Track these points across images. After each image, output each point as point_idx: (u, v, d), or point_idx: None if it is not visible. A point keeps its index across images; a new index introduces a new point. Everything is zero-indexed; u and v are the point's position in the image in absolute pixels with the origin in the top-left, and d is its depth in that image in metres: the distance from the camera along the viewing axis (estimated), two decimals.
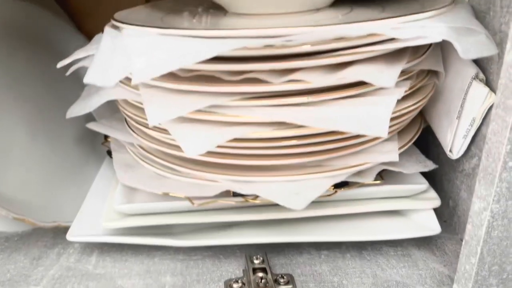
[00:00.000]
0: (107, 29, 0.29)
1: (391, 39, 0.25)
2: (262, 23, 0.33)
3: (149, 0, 0.52)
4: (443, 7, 0.27)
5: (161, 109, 0.26)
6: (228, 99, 0.26)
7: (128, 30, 0.27)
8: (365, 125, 0.24)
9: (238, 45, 0.23)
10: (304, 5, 0.33)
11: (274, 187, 0.28)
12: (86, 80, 0.25)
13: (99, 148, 0.42)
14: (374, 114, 0.25)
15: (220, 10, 0.37)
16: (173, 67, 0.22)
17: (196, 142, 0.25)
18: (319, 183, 0.28)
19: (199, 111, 0.26)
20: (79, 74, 0.48)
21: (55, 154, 0.41)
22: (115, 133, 0.36)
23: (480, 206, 0.24)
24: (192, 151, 0.25)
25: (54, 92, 0.43)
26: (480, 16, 0.31)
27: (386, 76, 0.25)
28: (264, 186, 0.28)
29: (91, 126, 0.36)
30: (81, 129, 0.43)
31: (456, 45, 0.24)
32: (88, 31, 0.54)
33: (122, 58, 0.25)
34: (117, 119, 0.38)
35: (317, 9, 0.34)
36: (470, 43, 0.25)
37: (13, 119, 0.38)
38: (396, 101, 0.26)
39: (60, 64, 0.30)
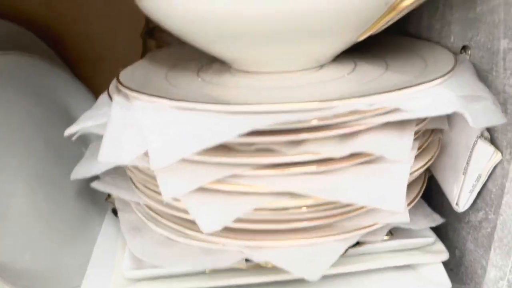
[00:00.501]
0: (116, 98, 0.28)
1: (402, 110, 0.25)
2: (268, 81, 0.33)
3: (146, 45, 0.52)
4: (449, 71, 0.28)
5: (175, 181, 0.26)
6: (242, 170, 0.26)
7: (138, 101, 0.27)
8: (380, 199, 0.24)
9: (260, 124, 0.23)
10: (307, 63, 0.34)
11: (286, 253, 0.28)
12: (100, 158, 0.25)
13: (101, 202, 0.42)
14: (388, 186, 0.25)
15: (224, 64, 0.37)
16: (193, 150, 0.22)
17: (211, 216, 0.25)
18: (332, 247, 0.28)
19: (213, 181, 0.26)
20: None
21: (56, 212, 0.40)
22: (121, 192, 0.35)
23: (496, 275, 0.24)
24: (208, 227, 0.24)
25: (54, 146, 0.42)
26: (482, 75, 0.31)
27: (399, 147, 0.25)
28: (276, 253, 0.28)
29: (96, 185, 0.36)
30: (81, 182, 0.42)
31: (467, 116, 0.25)
32: (83, 75, 0.54)
33: (135, 134, 0.25)
34: (121, 174, 0.38)
35: (321, 66, 0.35)
36: (479, 111, 0.26)
37: (11, 176, 0.38)
38: (409, 168, 0.26)
39: (67, 132, 0.30)
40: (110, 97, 0.30)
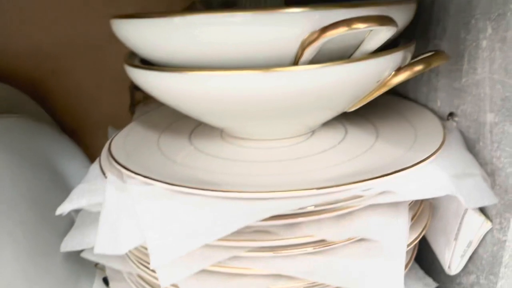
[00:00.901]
0: (110, 177, 0.28)
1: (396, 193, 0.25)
2: (260, 151, 0.33)
3: (133, 97, 0.52)
4: (439, 147, 0.29)
5: (173, 266, 0.25)
6: (239, 251, 0.26)
7: (133, 182, 0.27)
8: (378, 284, 0.24)
9: (263, 214, 0.23)
10: (299, 131, 0.34)
11: None
12: (97, 250, 0.24)
13: (90, 269, 0.41)
14: (385, 268, 0.25)
15: (213, 129, 0.37)
16: (196, 245, 0.22)
17: None
18: None
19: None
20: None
21: (43, 279, 0.39)
22: (113, 262, 0.35)
23: None
24: None
25: (42, 209, 0.41)
26: (470, 143, 0.32)
27: (395, 231, 0.25)
28: None
29: (86, 255, 0.35)
30: None
31: (460, 198, 0.25)
32: (70, 128, 0.54)
33: (133, 223, 0.24)
34: None
35: (312, 131, 0.35)
36: (471, 190, 0.26)
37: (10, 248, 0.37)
38: (406, 247, 0.26)
39: (60, 211, 0.29)
40: (103, 171, 0.30)
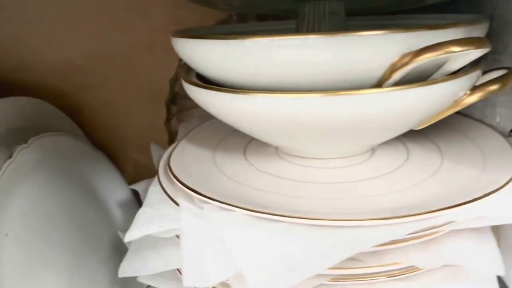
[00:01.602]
0: (183, 204, 0.27)
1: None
2: (321, 169, 0.32)
3: (170, 111, 0.51)
4: None
5: None
6: (325, 279, 0.25)
7: (211, 208, 0.26)
8: None
9: (362, 246, 0.22)
10: (361, 150, 0.34)
11: None
12: (186, 284, 0.23)
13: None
14: None
15: (267, 145, 0.37)
16: (299, 278, 0.21)
17: None
18: None
19: None
20: (108, 210, 0.46)
21: None
22: (169, 285, 0.34)
23: None
24: None
25: (85, 232, 0.40)
26: None
27: (485, 255, 0.25)
28: None
29: (143, 280, 0.34)
30: (114, 272, 0.41)
31: None
32: (101, 142, 0.53)
33: (219, 254, 0.24)
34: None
35: (372, 150, 0.35)
36: None
37: (54, 273, 0.36)
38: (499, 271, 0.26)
39: (128, 238, 0.28)
40: (170, 197, 0.29)
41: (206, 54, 0.29)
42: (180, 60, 0.49)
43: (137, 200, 0.52)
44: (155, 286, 0.34)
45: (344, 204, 0.27)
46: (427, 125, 0.31)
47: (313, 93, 0.25)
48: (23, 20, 0.47)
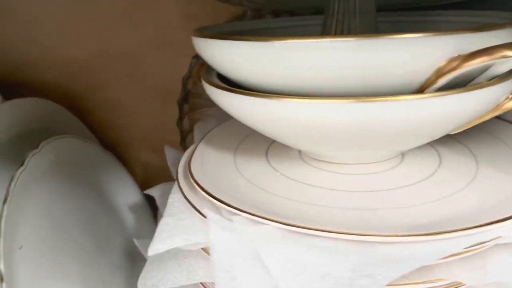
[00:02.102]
0: (211, 215, 0.26)
1: None
2: (348, 175, 0.31)
3: (182, 110, 0.49)
4: None
5: None
6: None
7: (244, 225, 0.24)
8: None
9: (417, 263, 0.21)
10: (390, 156, 0.32)
11: None
12: None
13: None
14: None
15: (290, 149, 0.35)
16: None
17: None
18: None
19: None
20: (119, 213, 0.44)
21: None
22: None
23: None
24: None
25: (98, 238, 0.39)
26: None
27: None
28: None
29: None
30: (128, 277, 0.39)
31: None
32: (109, 142, 0.51)
33: (253, 270, 0.22)
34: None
35: (402, 155, 0.33)
36: None
37: (65, 280, 0.34)
38: None
39: (151, 252, 0.27)
40: (196, 208, 0.28)
41: (231, 55, 0.27)
42: (194, 58, 0.47)
43: (148, 203, 0.51)
44: None
45: (383, 217, 0.25)
46: (463, 129, 0.29)
47: (351, 98, 0.24)
48: (30, 19, 0.45)
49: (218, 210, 0.27)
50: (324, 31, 0.33)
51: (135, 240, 0.38)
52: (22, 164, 0.30)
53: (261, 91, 0.26)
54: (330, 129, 0.26)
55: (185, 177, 0.32)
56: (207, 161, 0.33)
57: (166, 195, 0.39)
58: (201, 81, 0.39)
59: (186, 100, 0.49)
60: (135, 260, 0.43)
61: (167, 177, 0.54)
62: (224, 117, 0.43)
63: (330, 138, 0.27)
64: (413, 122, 0.25)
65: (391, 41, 0.22)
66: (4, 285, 0.23)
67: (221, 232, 0.24)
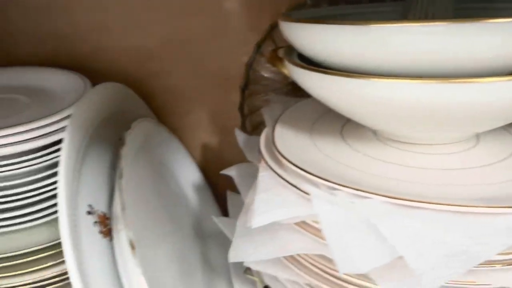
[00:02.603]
0: (314, 191, 0.27)
1: None
2: (424, 156, 0.32)
3: (244, 96, 0.51)
4: None
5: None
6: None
7: (343, 195, 0.26)
8: None
9: None
10: (467, 137, 0.33)
11: None
12: (342, 270, 0.23)
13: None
14: None
15: (363, 128, 0.36)
16: (462, 266, 0.21)
17: None
18: None
19: None
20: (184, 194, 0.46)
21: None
22: (274, 269, 0.34)
23: None
24: None
25: (169, 214, 0.40)
26: None
27: None
28: None
29: (250, 265, 0.35)
30: (204, 255, 0.41)
31: None
32: (171, 127, 0.53)
33: (368, 241, 0.24)
34: None
35: (477, 137, 0.34)
36: None
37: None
38: None
39: (256, 224, 0.28)
40: (292, 184, 0.29)
41: (324, 39, 0.28)
42: (257, 45, 0.49)
43: (209, 186, 0.53)
44: (261, 270, 0.35)
45: (481, 191, 0.27)
46: None
47: (445, 80, 0.25)
48: (102, 7, 0.47)
49: (317, 186, 0.28)
50: (407, 16, 0.34)
51: (214, 218, 0.40)
52: (123, 143, 0.32)
53: (348, 72, 0.27)
54: (420, 109, 0.27)
55: (272, 156, 0.33)
56: (288, 141, 0.35)
57: (242, 175, 0.42)
58: (274, 66, 0.40)
59: (247, 86, 0.51)
60: (201, 236, 0.45)
61: (224, 160, 0.56)
62: (284, 102, 0.44)
63: (417, 118, 0.28)
64: (503, 103, 0.26)
65: (484, 26, 0.24)
66: (135, 251, 0.25)
67: (326, 206, 0.26)
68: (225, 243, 0.44)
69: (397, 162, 0.32)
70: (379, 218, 0.24)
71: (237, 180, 0.40)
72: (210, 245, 0.45)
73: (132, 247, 0.25)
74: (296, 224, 0.31)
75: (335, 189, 0.27)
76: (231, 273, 0.41)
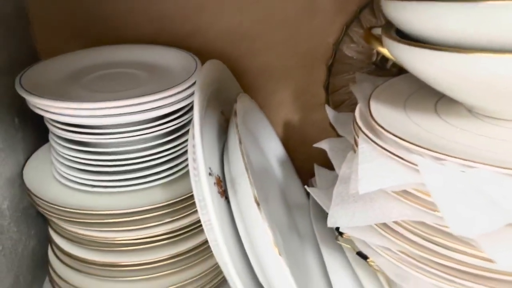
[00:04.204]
0: (424, 161, 0.29)
1: None
2: None
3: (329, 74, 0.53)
4: None
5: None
6: None
7: (452, 166, 0.28)
8: None
9: None
10: None
11: None
12: (456, 232, 0.25)
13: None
14: None
15: (456, 104, 0.37)
16: None
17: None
18: None
19: None
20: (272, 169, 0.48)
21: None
22: (368, 236, 0.36)
23: None
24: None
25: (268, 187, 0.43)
26: None
27: None
28: None
29: (346, 230, 0.37)
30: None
31: None
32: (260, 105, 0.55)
33: (480, 205, 0.26)
34: None
35: None
36: None
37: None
38: None
39: (363, 190, 0.30)
40: (388, 151, 0.31)
41: (432, 16, 0.30)
42: (345, 25, 0.51)
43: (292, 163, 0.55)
44: (356, 236, 0.37)
45: None
46: None
47: None
48: None
49: (423, 156, 0.30)
50: None
51: (307, 187, 0.42)
52: (235, 114, 0.35)
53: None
54: None
55: (368, 129, 0.35)
56: (384, 115, 0.37)
57: (334, 149, 0.44)
58: (369, 43, 0.42)
59: (333, 64, 0.53)
60: (287, 206, 0.48)
61: (305, 136, 0.59)
62: (372, 80, 0.46)
63: None
64: None
65: None
66: (260, 207, 0.28)
67: (435, 175, 0.28)
68: (309, 214, 0.47)
69: (495, 137, 0.33)
70: (490, 186, 0.26)
71: (330, 153, 0.42)
72: (295, 215, 0.48)
73: (258, 203, 0.28)
74: (395, 192, 0.33)
75: (441, 159, 0.29)
76: (318, 242, 0.44)
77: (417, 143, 0.31)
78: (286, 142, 0.57)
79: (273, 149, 0.54)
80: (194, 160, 0.31)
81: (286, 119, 0.58)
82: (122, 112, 0.37)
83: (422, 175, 0.29)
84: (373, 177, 0.32)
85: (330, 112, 0.46)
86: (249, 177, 0.29)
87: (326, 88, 0.54)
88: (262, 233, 0.28)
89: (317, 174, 0.47)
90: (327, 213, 0.46)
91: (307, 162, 0.51)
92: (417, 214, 0.32)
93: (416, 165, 0.30)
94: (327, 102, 0.55)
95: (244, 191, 0.29)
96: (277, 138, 0.54)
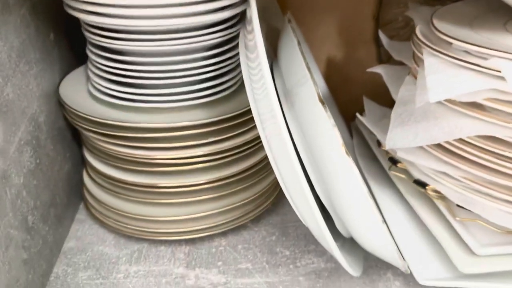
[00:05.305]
0: (507, 64, 0.26)
1: None
2: None
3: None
4: None
5: None
6: None
7: None
8: None
9: None
10: None
11: None
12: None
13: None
14: None
15: None
16: None
17: None
18: None
19: None
20: None
21: None
22: (426, 160, 0.34)
23: None
24: None
25: None
26: None
27: None
28: None
29: (403, 155, 0.34)
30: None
31: None
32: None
33: None
34: None
35: None
36: None
37: None
38: None
39: (433, 99, 0.28)
40: (460, 59, 0.29)
41: None
42: None
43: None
44: (414, 161, 0.34)
45: None
46: None
47: None
48: None
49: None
50: None
51: (357, 115, 0.40)
52: (290, 20, 0.32)
53: None
54: None
55: (433, 43, 0.32)
56: (449, 30, 0.34)
57: (389, 74, 0.41)
58: None
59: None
60: None
61: (349, 75, 0.56)
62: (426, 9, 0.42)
63: None
64: None
65: None
66: (326, 107, 0.25)
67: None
68: (354, 153, 0.45)
69: None
70: None
71: (385, 78, 0.40)
72: None
73: (322, 102, 0.26)
74: (463, 107, 0.30)
75: None
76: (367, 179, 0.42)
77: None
78: (326, 80, 0.54)
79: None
80: (254, 68, 0.29)
81: (328, 56, 0.55)
82: (163, 14, 0.34)
83: (506, 76, 0.26)
84: (443, 86, 0.29)
85: (383, 38, 0.43)
86: (312, 77, 0.27)
87: (377, 19, 0.50)
88: (328, 132, 0.26)
89: (366, 107, 0.45)
90: (373, 152, 0.44)
91: (349, 104, 0.48)
92: (490, 129, 0.29)
93: (494, 70, 0.28)
94: (376, 33, 0.51)
95: (306, 94, 0.27)
96: (319, 73, 0.52)
